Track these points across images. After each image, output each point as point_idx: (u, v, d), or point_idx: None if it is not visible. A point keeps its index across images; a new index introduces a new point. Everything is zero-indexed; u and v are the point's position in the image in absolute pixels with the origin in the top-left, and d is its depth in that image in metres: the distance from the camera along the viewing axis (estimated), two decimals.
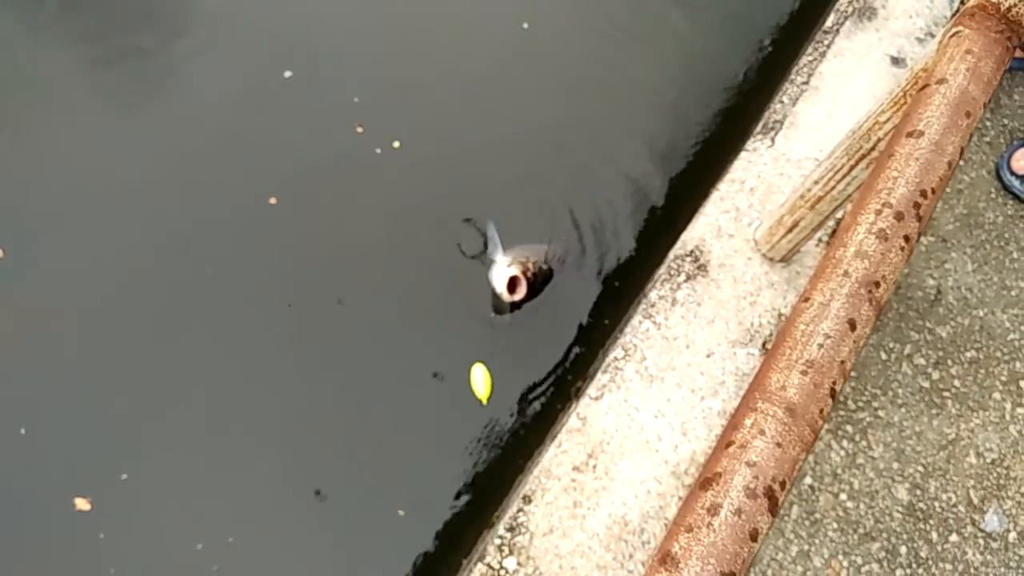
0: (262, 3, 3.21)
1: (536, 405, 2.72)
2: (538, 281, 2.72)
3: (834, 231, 2.32)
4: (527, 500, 1.86)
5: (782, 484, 1.04)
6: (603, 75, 3.28)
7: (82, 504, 2.37)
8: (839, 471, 2.19)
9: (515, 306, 2.74)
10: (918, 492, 2.20)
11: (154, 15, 3.13)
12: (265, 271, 2.75)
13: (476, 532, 2.50)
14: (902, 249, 1.19)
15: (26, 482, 2.40)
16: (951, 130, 1.29)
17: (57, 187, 2.77)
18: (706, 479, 1.03)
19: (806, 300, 1.14)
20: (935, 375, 2.35)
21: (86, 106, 2.93)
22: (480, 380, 2.67)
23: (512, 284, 2.63)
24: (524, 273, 2.61)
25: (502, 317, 2.80)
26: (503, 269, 2.68)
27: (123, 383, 2.54)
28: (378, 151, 2.96)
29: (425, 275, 2.82)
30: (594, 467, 1.88)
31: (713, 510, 1.00)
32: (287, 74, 3.05)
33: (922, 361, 2.36)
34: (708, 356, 2.02)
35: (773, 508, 1.02)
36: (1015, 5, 1.37)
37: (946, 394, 2.33)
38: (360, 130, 2.99)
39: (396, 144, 2.97)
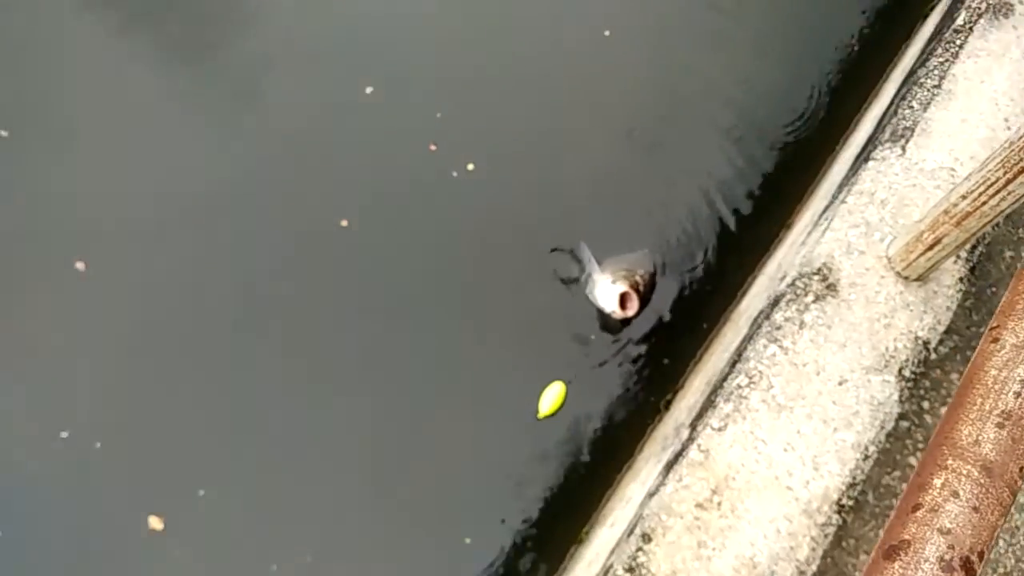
0: (344, 16, 3.19)
1: (618, 426, 2.64)
2: (648, 291, 2.62)
3: (975, 246, 2.14)
4: (646, 539, 1.75)
5: (980, 555, 0.91)
6: (690, 76, 3.19)
7: (155, 523, 2.37)
8: None
9: (626, 322, 2.64)
10: None
11: (233, 26, 3.14)
12: (341, 292, 2.72)
13: (553, 558, 2.44)
14: None
15: (100, 497, 2.42)
16: None
17: (135, 200, 2.79)
18: (891, 547, 0.90)
19: (995, 341, 1.01)
20: None
21: (164, 119, 2.95)
22: (551, 397, 2.58)
23: (623, 300, 2.54)
24: (634, 287, 2.51)
25: (608, 335, 2.71)
26: (608, 287, 2.58)
27: (200, 399, 2.55)
28: (454, 174, 2.91)
29: (511, 297, 2.77)
30: (719, 504, 1.76)
31: None
32: (368, 90, 3.01)
33: None
34: (840, 384, 1.87)
35: None
36: None
37: None
38: (434, 148, 2.94)
39: (470, 167, 2.92)
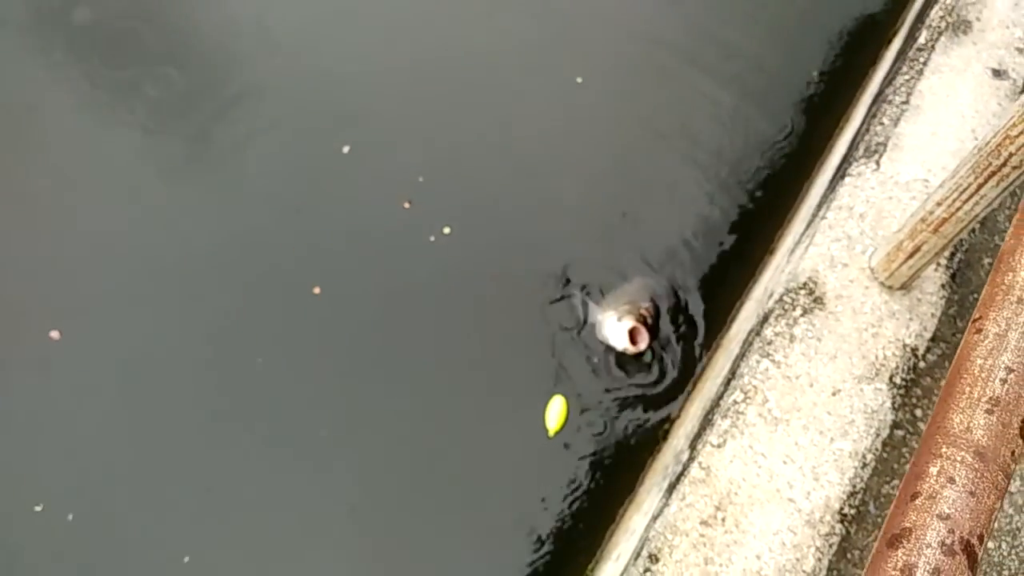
0: (323, 77, 3.24)
1: (618, 460, 2.65)
2: (655, 321, 2.65)
3: (953, 254, 2.19)
4: (654, 559, 1.76)
5: (980, 537, 0.93)
6: (666, 114, 3.24)
7: None
8: None
9: (638, 356, 2.65)
10: None
11: (213, 82, 3.18)
12: (317, 361, 2.71)
13: None
14: None
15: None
16: None
17: (109, 266, 2.80)
18: (894, 536, 0.93)
19: (979, 331, 1.04)
20: None
21: (137, 184, 2.96)
22: (555, 412, 2.59)
23: (633, 335, 2.55)
24: (641, 320, 2.53)
25: (602, 369, 2.72)
26: (615, 325, 2.59)
27: (173, 467, 2.53)
28: (432, 238, 2.92)
29: (506, 350, 2.79)
30: (723, 520, 1.77)
31: (907, 571, 0.90)
32: (345, 149, 3.04)
33: None
34: (834, 394, 1.90)
35: (973, 565, 0.91)
36: None
37: None
38: (408, 206, 2.96)
39: (446, 230, 2.93)
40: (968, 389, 1.00)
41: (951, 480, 0.94)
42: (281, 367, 2.66)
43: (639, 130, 3.17)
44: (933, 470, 0.95)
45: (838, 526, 1.80)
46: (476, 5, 3.41)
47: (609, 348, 2.65)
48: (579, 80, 3.23)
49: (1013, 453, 0.98)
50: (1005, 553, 2.02)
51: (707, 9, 3.46)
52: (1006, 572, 2.01)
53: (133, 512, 2.46)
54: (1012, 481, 2.07)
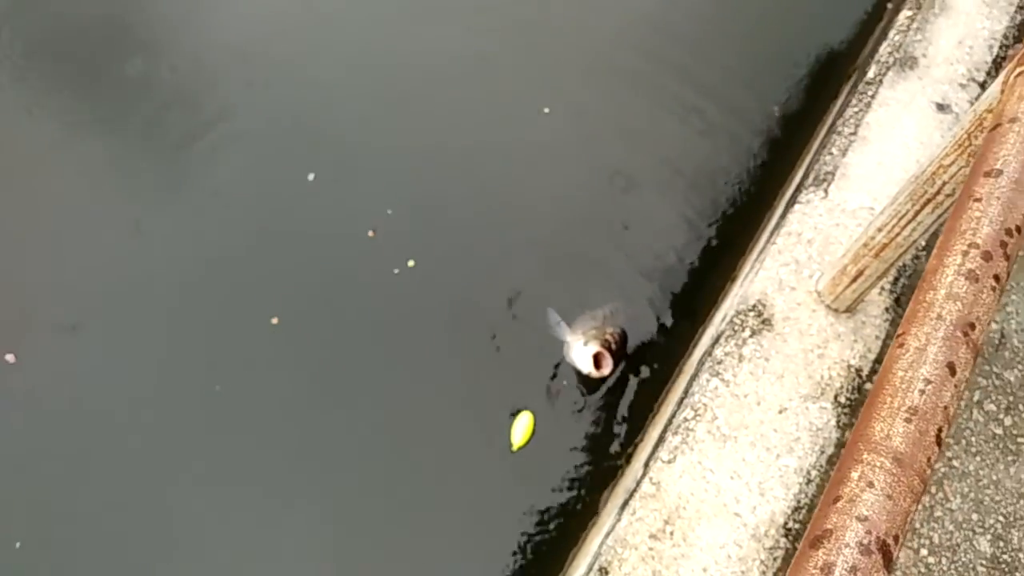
0: (292, 101, 3.28)
1: (582, 483, 2.68)
2: (620, 347, 2.68)
3: (897, 278, 2.27)
4: (603, 572, 1.80)
5: (895, 538, 0.99)
6: (632, 145, 3.31)
7: None
8: (918, 525, 2.10)
9: (603, 380, 2.69)
10: (1001, 544, 2.10)
11: (181, 107, 3.20)
12: (277, 389, 2.71)
13: None
14: (993, 289, 1.15)
15: None
16: None
17: (64, 289, 2.80)
18: (816, 537, 0.98)
19: (901, 346, 1.11)
20: (1007, 421, 2.27)
21: (98, 212, 2.98)
22: (521, 428, 2.63)
23: (598, 360, 2.58)
24: (606, 346, 2.56)
25: (569, 395, 2.76)
26: (581, 349, 2.62)
27: (129, 504, 2.52)
28: (396, 272, 2.93)
29: (473, 375, 2.81)
30: (671, 534, 1.82)
31: (827, 569, 0.95)
32: (311, 176, 3.08)
33: (993, 407, 2.28)
34: (780, 412, 1.97)
35: (888, 564, 0.97)
36: None
37: (1020, 440, 2.25)
38: (372, 234, 2.98)
39: (410, 263, 2.95)
40: (889, 399, 1.05)
41: (870, 484, 0.99)
42: (239, 395, 2.66)
43: (605, 162, 3.24)
44: (854, 475, 1.00)
45: (782, 540, 1.85)
46: (445, 37, 3.48)
47: (577, 371, 2.69)
48: (546, 111, 3.30)
49: (929, 459, 1.03)
50: (945, 568, 2.08)
51: (674, 46, 3.55)
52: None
53: (85, 551, 2.44)
54: (953, 499, 2.15)
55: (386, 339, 2.79)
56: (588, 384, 2.73)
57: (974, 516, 2.12)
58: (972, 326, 1.12)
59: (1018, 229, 1.23)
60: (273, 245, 2.93)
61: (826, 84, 3.59)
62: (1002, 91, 1.47)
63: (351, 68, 3.34)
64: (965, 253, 1.18)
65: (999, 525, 2.11)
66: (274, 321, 2.76)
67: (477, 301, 2.89)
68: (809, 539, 0.99)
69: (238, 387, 2.66)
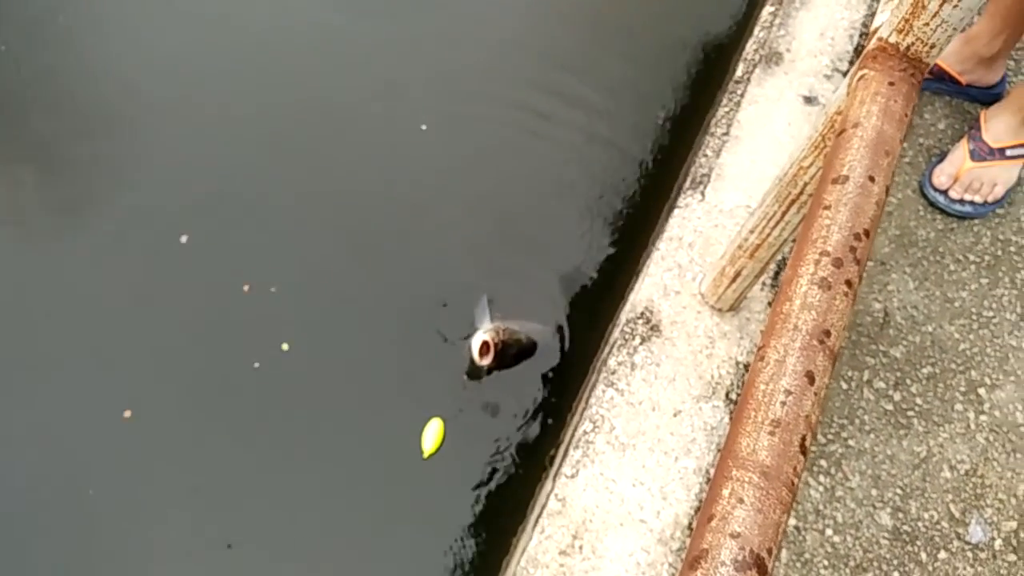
0: (167, 159, 3.16)
1: (506, 491, 2.69)
2: (509, 352, 2.74)
3: (777, 273, 2.36)
4: None
5: (769, 550, 1.02)
6: (516, 159, 3.33)
7: None
8: (821, 507, 2.19)
9: (488, 371, 2.75)
10: (900, 515, 2.20)
11: (56, 166, 3.08)
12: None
13: None
14: (846, 295, 1.21)
15: None
16: (874, 171, 1.33)
17: None
18: (694, 558, 1.01)
19: (761, 359, 1.15)
20: (897, 396, 2.38)
21: None
22: (432, 434, 2.65)
23: (482, 349, 2.67)
24: (494, 340, 2.65)
25: (474, 383, 2.78)
26: (479, 335, 2.74)
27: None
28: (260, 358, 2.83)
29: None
30: (580, 548, 1.85)
31: None
32: (184, 239, 2.98)
33: (882, 384, 2.39)
34: (675, 415, 2.02)
35: (764, 575, 1.01)
36: (912, 44, 1.43)
37: (910, 413, 2.36)
38: (247, 288, 2.89)
39: (285, 346, 2.86)
40: (753, 413, 1.09)
41: (740, 500, 1.03)
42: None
43: (492, 180, 3.25)
44: (725, 492, 1.04)
45: (688, 540, 1.90)
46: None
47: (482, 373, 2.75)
48: (423, 127, 3.30)
49: (795, 469, 1.08)
50: (850, 545, 2.17)
51: (553, 67, 3.58)
52: (852, 563, 2.16)
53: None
54: (852, 478, 2.24)
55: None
56: (474, 371, 2.78)
57: (873, 492, 2.22)
58: (828, 333, 1.17)
59: (866, 233, 1.29)
60: (135, 321, 2.81)
61: (707, 86, 3.69)
62: (848, 94, 1.54)
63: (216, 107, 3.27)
64: (817, 262, 1.23)
65: (897, 498, 2.21)
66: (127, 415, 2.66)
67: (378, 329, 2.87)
68: (688, 561, 1.02)
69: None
